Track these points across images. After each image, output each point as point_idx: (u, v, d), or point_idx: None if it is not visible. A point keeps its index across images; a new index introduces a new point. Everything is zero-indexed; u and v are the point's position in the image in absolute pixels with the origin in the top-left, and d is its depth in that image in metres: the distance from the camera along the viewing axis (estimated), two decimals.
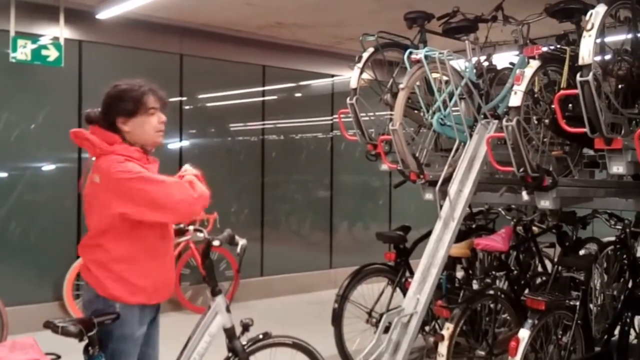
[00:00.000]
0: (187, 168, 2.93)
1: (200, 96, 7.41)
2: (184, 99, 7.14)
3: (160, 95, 2.79)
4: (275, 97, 8.07)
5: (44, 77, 6.21)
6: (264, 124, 7.88)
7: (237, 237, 2.90)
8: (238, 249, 2.90)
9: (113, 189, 2.58)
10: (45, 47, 6.07)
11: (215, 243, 2.79)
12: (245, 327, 3.01)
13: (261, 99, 7.88)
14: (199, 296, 6.93)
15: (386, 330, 3.89)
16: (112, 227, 2.62)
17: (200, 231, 3.00)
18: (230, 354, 3.00)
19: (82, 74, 6.42)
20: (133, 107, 2.70)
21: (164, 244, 2.79)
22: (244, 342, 3.03)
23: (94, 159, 2.75)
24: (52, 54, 6.09)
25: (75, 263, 6.22)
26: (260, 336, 3.09)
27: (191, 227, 3.06)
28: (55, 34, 6.14)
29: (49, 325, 2.56)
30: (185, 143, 7.18)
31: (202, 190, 2.73)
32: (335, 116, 8.30)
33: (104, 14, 6.24)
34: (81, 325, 2.55)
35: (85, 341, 2.59)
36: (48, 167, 6.45)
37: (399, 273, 5.04)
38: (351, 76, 4.89)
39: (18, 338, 2.63)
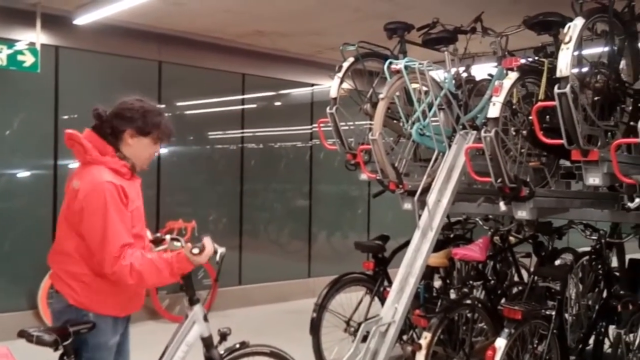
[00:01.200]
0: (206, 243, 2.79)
1: (179, 104, 7.36)
2: (163, 106, 7.07)
3: (170, 132, 2.85)
4: (254, 105, 8.06)
5: (20, 83, 6.12)
6: (243, 132, 7.86)
7: (215, 245, 2.86)
8: (217, 257, 2.86)
9: (85, 202, 2.56)
10: (21, 52, 5.98)
11: (194, 251, 2.74)
12: (223, 336, 3.00)
13: (240, 107, 7.86)
14: (176, 305, 6.85)
15: (364, 339, 3.88)
16: (82, 237, 2.60)
17: (177, 240, 2.96)
18: None
19: (58, 80, 6.34)
20: (148, 130, 2.75)
21: None
22: (222, 352, 3.01)
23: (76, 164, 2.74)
24: (28, 59, 6.00)
25: (50, 271, 6.11)
26: (238, 345, 3.08)
27: (168, 237, 3.02)
28: (31, 39, 6.06)
29: (23, 334, 2.52)
30: (164, 151, 7.11)
31: (144, 272, 2.58)
32: (314, 125, 8.30)
33: (81, 20, 6.17)
34: (56, 334, 2.51)
35: (61, 350, 2.55)
36: (23, 174, 6.35)
37: (377, 282, 5.04)
38: (331, 85, 4.90)
39: None
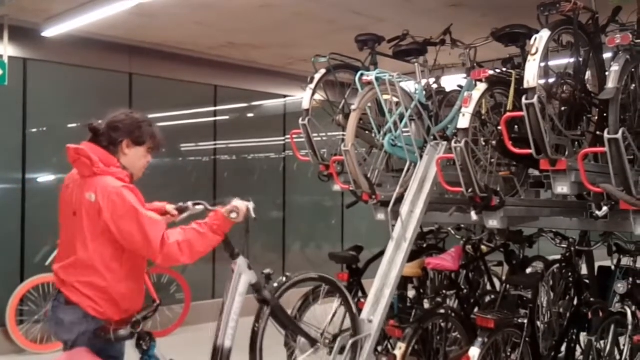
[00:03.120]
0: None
1: (151, 116, 7.13)
2: None
3: (162, 141, 3.01)
4: (227, 117, 8.03)
5: None
6: (215, 144, 7.82)
7: (245, 202, 3.11)
8: (252, 213, 3.11)
9: (111, 210, 2.65)
10: None
11: (232, 216, 2.94)
12: (268, 277, 3.34)
13: (213, 119, 7.82)
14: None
15: (341, 351, 3.86)
16: (105, 247, 2.69)
17: (200, 204, 3.20)
18: (261, 306, 3.31)
19: (26, 92, 6.24)
20: (143, 139, 2.90)
21: (143, 262, 2.90)
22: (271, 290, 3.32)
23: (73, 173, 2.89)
24: None
25: (18, 288, 5.99)
26: (284, 279, 3.44)
27: (190, 203, 3.27)
28: None
29: (100, 335, 2.60)
30: None
31: (192, 243, 2.77)
32: (287, 137, 8.30)
33: (50, 32, 6.09)
34: (130, 326, 2.65)
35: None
36: None
37: (351, 293, 5.03)
38: (303, 97, 4.90)
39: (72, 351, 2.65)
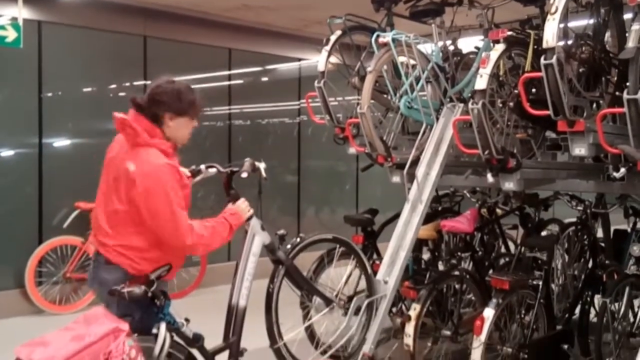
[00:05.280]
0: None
1: None
2: (149, 82, 6.99)
3: (201, 105, 3.03)
4: (241, 81, 8.00)
5: (2, 59, 6.01)
6: (230, 109, 7.81)
7: (256, 163, 3.22)
8: (263, 173, 3.21)
9: (147, 184, 2.71)
10: (3, 27, 5.85)
11: (243, 175, 3.12)
12: (282, 238, 3.42)
13: (227, 83, 7.80)
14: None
15: (356, 312, 3.91)
16: (139, 217, 2.76)
17: (213, 167, 3.25)
18: (276, 266, 3.40)
19: (42, 55, 6.25)
20: (185, 109, 2.90)
21: None
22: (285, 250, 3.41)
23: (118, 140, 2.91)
24: (10, 34, 5.89)
25: (36, 250, 6.10)
26: (298, 240, 3.51)
27: (202, 166, 3.30)
28: (13, 14, 5.93)
29: (114, 293, 2.64)
30: None
31: (210, 239, 2.90)
32: (302, 101, 8.27)
33: None
34: (143, 285, 2.67)
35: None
36: (7, 152, 6.28)
37: (366, 255, 5.07)
38: (318, 59, 4.87)
39: (89, 311, 2.70)
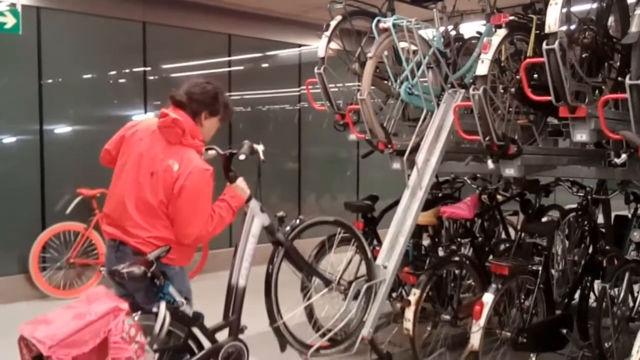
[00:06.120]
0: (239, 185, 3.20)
1: (165, 66, 7.26)
2: (148, 69, 6.99)
3: (232, 110, 3.20)
4: (241, 67, 7.97)
5: (1, 46, 5.99)
6: (230, 95, 7.77)
7: (254, 145, 3.28)
8: (261, 155, 3.28)
9: (187, 184, 2.82)
10: (1, 14, 5.82)
11: (241, 157, 3.15)
12: (281, 220, 3.49)
13: (227, 69, 7.77)
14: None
15: (355, 297, 3.93)
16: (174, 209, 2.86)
17: (212, 149, 3.27)
18: (275, 247, 3.47)
19: (41, 42, 6.22)
20: (219, 110, 3.07)
21: None
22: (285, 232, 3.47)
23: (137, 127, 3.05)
24: (9, 20, 5.86)
25: (40, 236, 6.13)
26: (297, 221, 3.58)
27: (202, 148, 3.27)
28: (12, 0, 5.92)
29: (114, 274, 2.71)
30: (150, 115, 7.05)
31: (215, 228, 2.99)
32: (302, 87, 8.24)
33: None
34: (143, 265, 2.72)
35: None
36: (9, 139, 6.28)
37: (367, 241, 5.07)
38: (319, 45, 4.85)
39: (90, 290, 2.76)
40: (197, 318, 3.03)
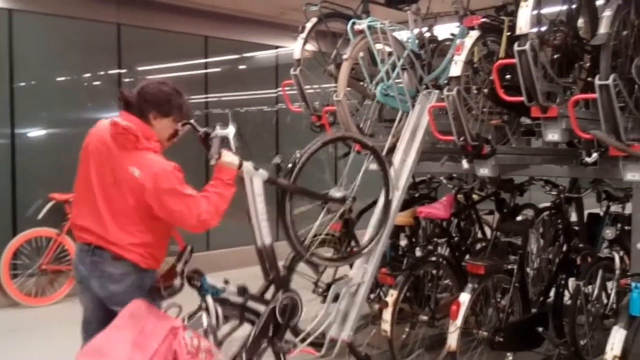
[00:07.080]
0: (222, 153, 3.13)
1: (140, 68, 7.20)
2: (123, 71, 6.92)
3: (187, 113, 3.12)
4: (218, 69, 7.93)
5: None
6: (207, 97, 7.75)
7: (222, 134, 3.21)
8: (231, 142, 3.25)
9: (157, 186, 2.78)
10: None
11: (212, 163, 3.07)
12: (278, 167, 3.59)
13: (204, 71, 7.73)
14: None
15: (335, 299, 3.93)
16: (149, 211, 2.84)
17: (188, 124, 3.18)
18: (282, 193, 3.54)
19: (12, 44, 6.13)
20: (171, 111, 3.00)
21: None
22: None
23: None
24: None
25: (11, 242, 6.02)
26: (296, 157, 3.64)
27: (179, 124, 3.18)
28: None
29: (155, 296, 2.83)
30: (105, 121, 6.95)
31: (217, 206, 2.96)
32: (280, 89, 8.22)
33: None
34: (174, 278, 2.84)
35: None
36: None
37: (344, 243, 5.09)
38: (295, 47, 4.85)
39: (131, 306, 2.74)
40: (243, 292, 3.09)
